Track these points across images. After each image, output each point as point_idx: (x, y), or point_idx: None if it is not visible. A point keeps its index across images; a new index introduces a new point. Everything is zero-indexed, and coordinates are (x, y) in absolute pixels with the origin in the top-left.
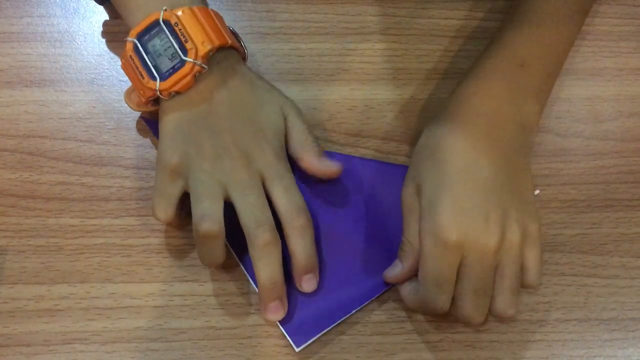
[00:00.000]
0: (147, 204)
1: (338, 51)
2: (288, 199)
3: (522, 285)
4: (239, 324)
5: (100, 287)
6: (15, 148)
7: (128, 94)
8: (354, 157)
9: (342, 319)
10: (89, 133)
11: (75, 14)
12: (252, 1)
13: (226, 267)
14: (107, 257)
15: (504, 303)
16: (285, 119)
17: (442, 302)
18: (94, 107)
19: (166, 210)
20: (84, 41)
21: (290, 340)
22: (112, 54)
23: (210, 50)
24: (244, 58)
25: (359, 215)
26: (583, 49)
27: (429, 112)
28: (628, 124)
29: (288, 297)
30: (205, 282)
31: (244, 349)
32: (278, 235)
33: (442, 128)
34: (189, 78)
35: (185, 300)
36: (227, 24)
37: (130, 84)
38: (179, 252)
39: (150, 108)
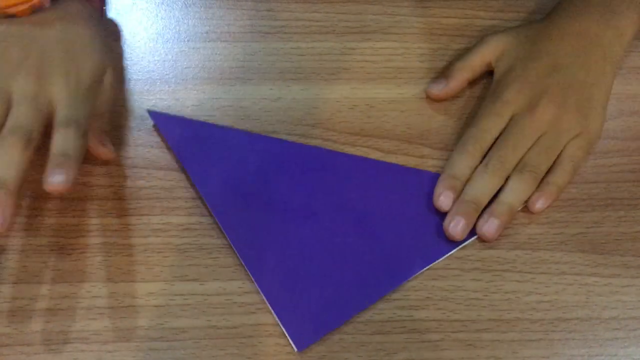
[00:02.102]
0: (148, 203)
1: (339, 50)
2: (63, 131)
3: (547, 178)
4: (240, 324)
5: (101, 287)
6: None
7: None
8: (366, 159)
9: (346, 320)
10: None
11: None
12: (252, 0)
13: (227, 266)
14: (108, 256)
15: (531, 159)
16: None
17: (477, 144)
18: None
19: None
20: None
21: (292, 342)
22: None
23: None
24: (101, 11)
25: (367, 217)
26: None
27: (431, 111)
28: (629, 122)
29: (292, 294)
30: (206, 281)
31: (245, 349)
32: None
33: (542, 25)
34: (24, 7)
35: (186, 299)
36: (228, 23)
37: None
38: (179, 252)
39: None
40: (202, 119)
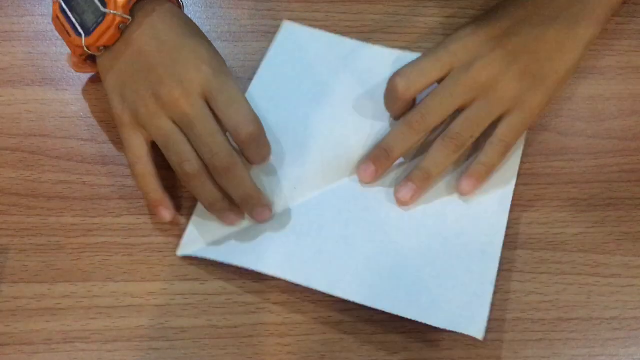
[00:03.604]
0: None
1: None
2: (233, 111)
3: (477, 158)
4: (240, 323)
5: (101, 286)
6: (16, 147)
7: (69, 56)
8: None
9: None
10: (91, 132)
11: None
12: (253, 0)
13: (227, 265)
14: (109, 255)
15: (456, 126)
16: None
17: (409, 84)
18: (96, 105)
19: (155, 188)
20: None
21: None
22: None
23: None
24: (179, 7)
25: None
26: None
27: None
28: (630, 122)
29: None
30: (206, 280)
31: (246, 348)
32: (235, 159)
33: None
34: (112, 30)
35: (187, 299)
36: (228, 22)
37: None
38: None
39: (89, 69)
40: None
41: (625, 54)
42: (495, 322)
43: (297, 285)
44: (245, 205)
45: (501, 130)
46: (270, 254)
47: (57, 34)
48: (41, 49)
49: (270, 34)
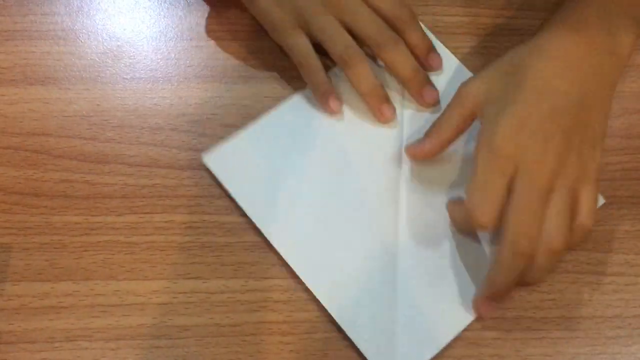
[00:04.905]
0: (150, 202)
1: None
2: (395, 3)
3: (574, 225)
4: (242, 321)
5: (104, 285)
6: (19, 146)
7: None
8: None
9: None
10: (93, 131)
11: (79, 11)
12: None
13: (230, 264)
14: (111, 254)
15: (550, 231)
16: None
17: (487, 212)
18: (98, 104)
19: (325, 80)
20: (88, 39)
21: None
22: (116, 52)
23: None
24: None
25: None
26: None
27: None
28: (632, 120)
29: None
30: (208, 279)
31: (248, 346)
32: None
33: (526, 47)
34: None
35: (189, 297)
36: (230, 21)
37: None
38: (182, 250)
39: None
40: (204, 117)
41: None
42: (497, 320)
43: (298, 283)
44: (415, 74)
45: (582, 216)
46: (281, 223)
47: (59, 33)
48: (44, 48)
49: None
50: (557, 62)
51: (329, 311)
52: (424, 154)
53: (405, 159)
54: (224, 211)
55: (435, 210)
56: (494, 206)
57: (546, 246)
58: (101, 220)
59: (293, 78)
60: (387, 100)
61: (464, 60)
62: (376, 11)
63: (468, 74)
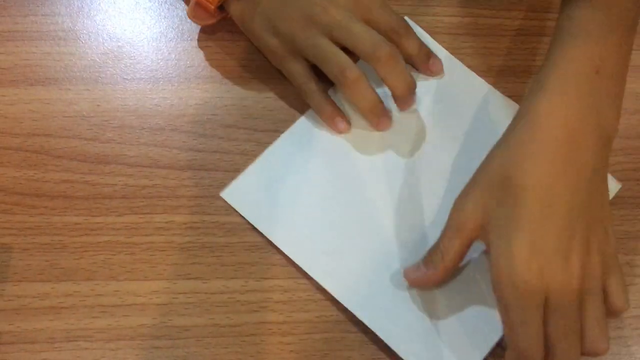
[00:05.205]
0: (151, 202)
1: None
2: (387, 13)
3: (610, 313)
4: (242, 322)
5: (104, 285)
6: (19, 146)
7: (191, 12)
8: None
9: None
10: (93, 131)
11: (79, 12)
12: None
13: (230, 264)
14: (112, 254)
15: (593, 338)
16: None
17: (536, 347)
18: (99, 105)
19: (329, 102)
20: (89, 39)
21: None
22: (116, 53)
23: None
24: None
25: None
26: None
27: None
28: (632, 121)
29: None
30: (208, 279)
31: (248, 347)
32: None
33: (515, 151)
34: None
35: (189, 297)
36: (229, 23)
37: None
38: (182, 250)
39: (217, 17)
40: (204, 118)
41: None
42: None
43: (298, 284)
44: (408, 92)
45: (616, 306)
46: (303, 243)
47: (60, 33)
48: (44, 49)
49: None
50: (549, 165)
51: (373, 329)
52: (425, 282)
53: (419, 166)
54: (224, 211)
55: None
56: (540, 342)
57: (592, 351)
58: (101, 220)
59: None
60: (386, 114)
61: (464, 60)
62: (370, 24)
63: (466, 71)
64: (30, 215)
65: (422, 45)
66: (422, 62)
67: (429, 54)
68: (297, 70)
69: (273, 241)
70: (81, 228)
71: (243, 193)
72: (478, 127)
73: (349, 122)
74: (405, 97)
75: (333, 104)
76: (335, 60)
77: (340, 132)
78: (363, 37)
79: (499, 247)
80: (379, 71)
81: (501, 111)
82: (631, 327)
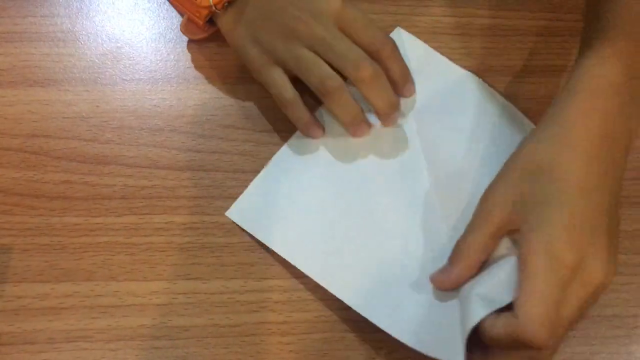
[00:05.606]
0: (150, 202)
1: None
2: (371, 34)
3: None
4: (242, 322)
5: (104, 285)
6: (19, 147)
7: (183, 26)
8: None
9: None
10: (92, 132)
11: (78, 13)
12: None
13: (229, 264)
14: (111, 255)
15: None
16: None
17: (552, 332)
18: (98, 106)
19: (305, 111)
20: (88, 40)
21: None
22: (115, 54)
23: None
24: None
25: None
26: None
27: None
28: None
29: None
30: (208, 280)
31: (248, 347)
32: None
33: (551, 143)
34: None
35: (189, 298)
36: None
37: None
38: (182, 250)
39: (208, 31)
40: (203, 118)
41: None
42: None
43: (298, 284)
44: (392, 111)
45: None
46: (311, 253)
47: (59, 34)
48: (43, 50)
49: None
50: (588, 160)
51: (394, 334)
52: (451, 283)
53: (422, 168)
54: (224, 212)
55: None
56: (558, 324)
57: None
58: (101, 221)
59: (296, 77)
60: (366, 124)
61: (461, 61)
62: (354, 41)
63: (462, 72)
64: (29, 216)
65: (403, 68)
66: (400, 85)
67: (407, 79)
68: (275, 78)
69: (285, 257)
70: (80, 229)
71: (248, 211)
72: (473, 127)
73: (323, 129)
74: (388, 115)
75: (307, 112)
76: (316, 70)
77: (316, 137)
78: (346, 55)
79: (535, 224)
80: (362, 91)
81: (490, 105)
82: (629, 327)
